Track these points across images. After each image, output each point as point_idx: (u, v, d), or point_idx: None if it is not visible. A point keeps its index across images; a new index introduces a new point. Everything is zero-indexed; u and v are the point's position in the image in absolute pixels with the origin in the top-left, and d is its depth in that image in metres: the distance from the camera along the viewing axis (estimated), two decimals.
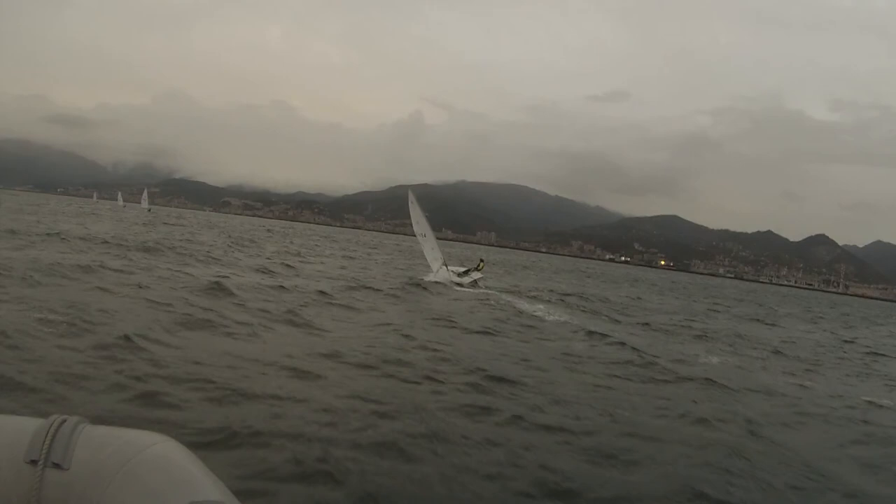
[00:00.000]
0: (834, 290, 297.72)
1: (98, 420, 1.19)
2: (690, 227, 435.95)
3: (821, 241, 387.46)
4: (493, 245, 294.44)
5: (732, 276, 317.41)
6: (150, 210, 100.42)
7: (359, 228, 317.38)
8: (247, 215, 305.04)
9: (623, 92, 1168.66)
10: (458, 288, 26.87)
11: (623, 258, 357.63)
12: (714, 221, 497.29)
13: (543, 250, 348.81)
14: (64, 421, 1.20)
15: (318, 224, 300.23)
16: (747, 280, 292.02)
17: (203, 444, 5.30)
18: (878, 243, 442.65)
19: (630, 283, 64.59)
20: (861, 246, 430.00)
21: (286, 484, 4.79)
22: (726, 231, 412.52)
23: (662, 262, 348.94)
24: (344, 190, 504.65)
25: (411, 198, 31.56)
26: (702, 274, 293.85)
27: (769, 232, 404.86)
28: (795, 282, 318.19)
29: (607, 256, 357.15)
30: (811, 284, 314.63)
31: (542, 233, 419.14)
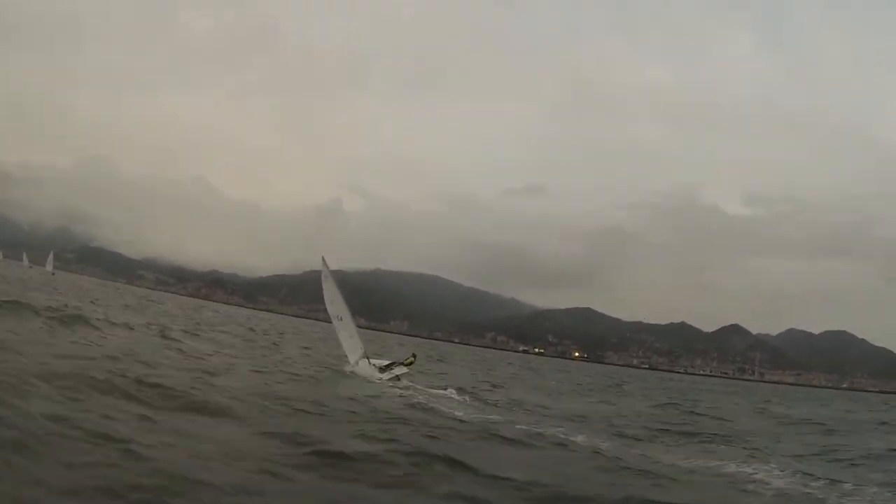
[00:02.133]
0: (750, 377, 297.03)
1: None
2: (604, 319, 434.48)
3: (734, 330, 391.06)
4: (404, 334, 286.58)
5: (647, 366, 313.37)
6: (53, 273, 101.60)
7: (271, 312, 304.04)
8: (160, 290, 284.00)
9: (540, 185, 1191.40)
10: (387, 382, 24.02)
11: (536, 350, 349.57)
12: (628, 313, 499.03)
13: (457, 340, 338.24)
14: None
15: (230, 305, 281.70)
16: (662, 370, 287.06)
17: None
18: (791, 331, 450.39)
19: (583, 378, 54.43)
20: (774, 334, 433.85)
21: None
22: (640, 323, 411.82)
23: (577, 354, 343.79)
24: (258, 271, 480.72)
25: (325, 271, 28.13)
26: (616, 365, 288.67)
27: (683, 323, 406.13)
28: (710, 371, 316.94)
29: (521, 348, 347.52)
30: (726, 373, 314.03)
31: (456, 323, 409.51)
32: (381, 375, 24.85)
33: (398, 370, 25.61)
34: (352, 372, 26.06)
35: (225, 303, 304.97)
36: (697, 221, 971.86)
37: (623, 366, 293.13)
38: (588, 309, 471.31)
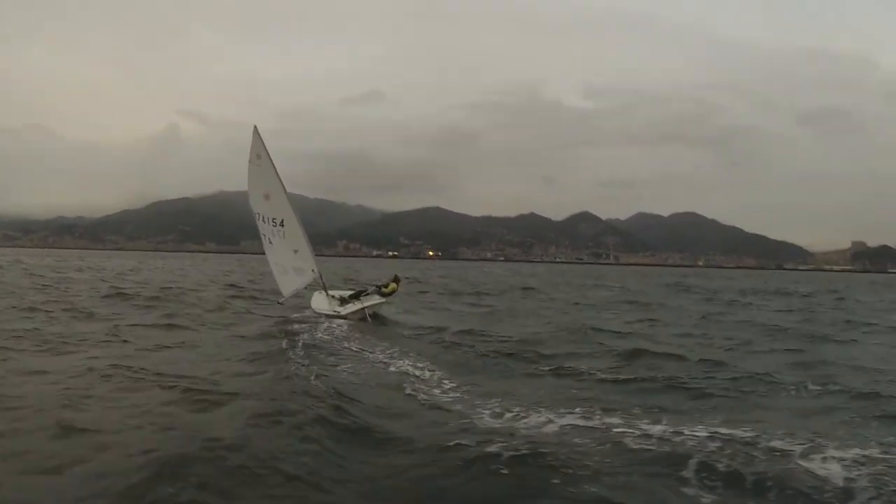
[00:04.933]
0: (605, 261, 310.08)
1: None
2: (453, 217, 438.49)
3: (584, 217, 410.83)
4: (258, 253, 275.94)
5: (502, 258, 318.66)
6: None
7: (121, 249, 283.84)
8: (7, 247, 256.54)
9: (378, 92, 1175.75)
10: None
11: (391, 253, 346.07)
12: (476, 209, 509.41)
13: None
14: None
15: (78, 249, 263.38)
16: (517, 261, 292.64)
17: None
18: (640, 215, 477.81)
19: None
20: (624, 219, 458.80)
21: None
22: (489, 217, 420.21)
23: (431, 253, 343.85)
24: (104, 210, 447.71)
25: (257, 147, 17.53)
26: (471, 260, 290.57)
27: (532, 214, 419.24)
28: (565, 258, 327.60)
29: (374, 253, 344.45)
30: (580, 258, 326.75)
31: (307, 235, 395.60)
32: (339, 309, 17.55)
33: (370, 301, 18.22)
34: (282, 303, 19.37)
35: (73, 248, 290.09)
36: (540, 116, 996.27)
37: (478, 260, 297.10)
38: (436, 208, 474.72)
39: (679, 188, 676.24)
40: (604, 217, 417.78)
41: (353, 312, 17.39)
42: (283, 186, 18.06)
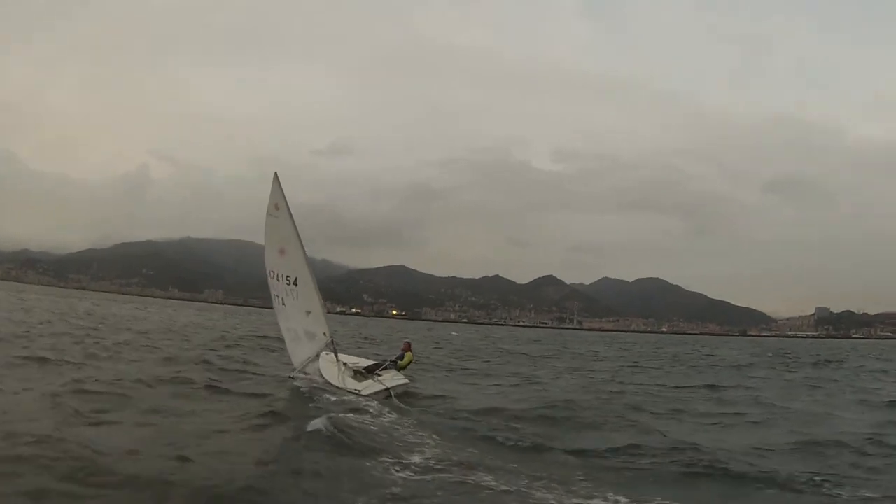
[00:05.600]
0: (569, 326, 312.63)
1: None
2: (418, 276, 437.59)
3: (549, 281, 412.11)
4: (221, 303, 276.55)
5: (466, 320, 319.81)
6: None
7: (84, 289, 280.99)
8: None
9: (349, 145, 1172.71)
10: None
11: (354, 310, 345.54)
12: (441, 269, 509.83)
13: (272, 306, 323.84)
14: None
15: (41, 285, 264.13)
16: (481, 323, 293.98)
17: None
18: (605, 280, 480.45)
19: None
20: (588, 283, 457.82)
21: None
22: (454, 278, 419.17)
23: (394, 312, 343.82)
24: (69, 247, 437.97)
25: (277, 197, 16.15)
26: (435, 320, 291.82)
27: (497, 276, 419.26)
28: (528, 321, 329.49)
29: (338, 309, 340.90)
30: (545, 322, 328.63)
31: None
32: (359, 388, 15.55)
33: (390, 379, 16.63)
34: (294, 377, 17.08)
35: (37, 283, 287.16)
36: (508, 177, 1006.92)
37: (442, 321, 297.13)
38: (401, 266, 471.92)
39: (644, 254, 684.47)
40: (568, 281, 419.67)
41: (375, 394, 15.35)
42: (300, 240, 16.67)
